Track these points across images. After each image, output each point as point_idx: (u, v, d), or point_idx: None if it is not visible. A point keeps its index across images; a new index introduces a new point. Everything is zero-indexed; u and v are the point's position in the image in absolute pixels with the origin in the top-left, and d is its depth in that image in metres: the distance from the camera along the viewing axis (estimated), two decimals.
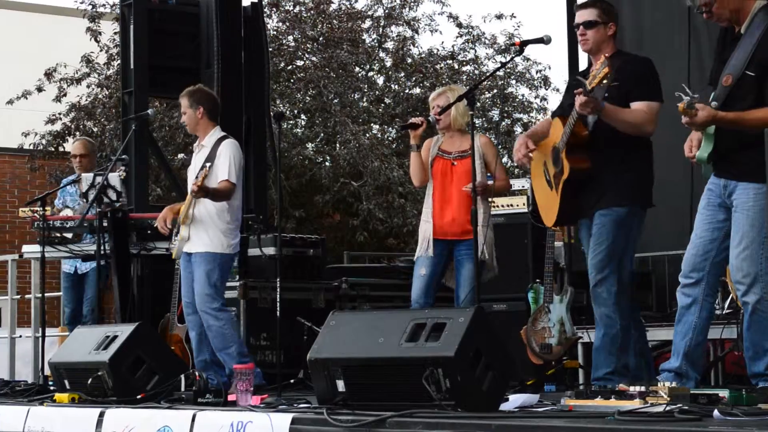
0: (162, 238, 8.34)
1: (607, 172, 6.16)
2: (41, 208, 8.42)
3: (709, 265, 5.59)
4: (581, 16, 6.33)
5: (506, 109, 18.88)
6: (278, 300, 7.25)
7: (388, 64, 18.84)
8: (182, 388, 6.68)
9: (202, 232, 7.57)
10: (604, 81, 5.81)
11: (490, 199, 7.62)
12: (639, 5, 10.56)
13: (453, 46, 19.06)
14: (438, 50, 18.92)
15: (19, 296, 12.49)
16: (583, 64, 10.50)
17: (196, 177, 7.44)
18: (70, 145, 11.28)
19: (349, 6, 18.69)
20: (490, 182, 7.40)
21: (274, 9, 18.15)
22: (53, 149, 17.45)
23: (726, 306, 8.20)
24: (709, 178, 5.68)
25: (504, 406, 5.46)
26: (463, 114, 7.38)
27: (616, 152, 6.15)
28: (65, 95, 17.46)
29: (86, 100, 17.54)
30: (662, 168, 9.68)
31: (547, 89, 19.16)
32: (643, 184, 6.26)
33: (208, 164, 7.49)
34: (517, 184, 8.71)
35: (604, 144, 6.17)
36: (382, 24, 18.79)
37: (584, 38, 6.29)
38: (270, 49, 13.17)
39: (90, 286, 9.17)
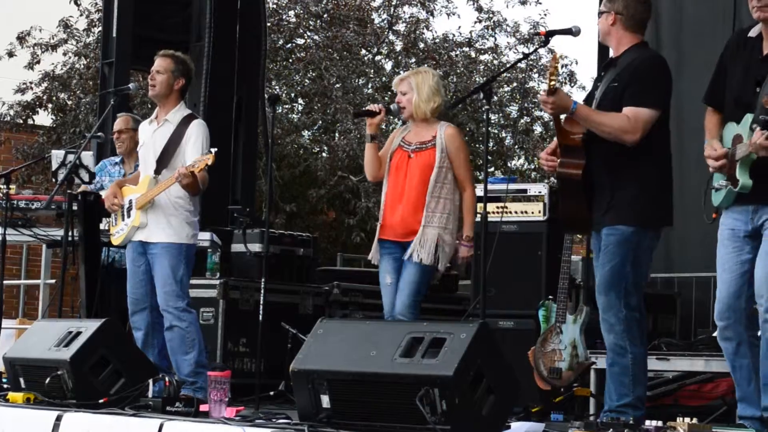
0: None
1: (615, 184, 6.17)
2: (5, 186, 8.43)
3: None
4: None
5: (526, 105, 18.87)
6: (262, 302, 7.25)
7: (398, 47, 18.84)
8: (150, 394, 6.68)
9: (163, 220, 7.42)
10: (554, 77, 6.08)
11: (502, 204, 7.61)
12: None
13: (471, 32, 19.07)
14: (454, 36, 18.93)
15: None
16: None
17: (194, 163, 7.15)
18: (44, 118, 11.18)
19: None
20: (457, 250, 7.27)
21: None
22: (22, 121, 17.44)
23: None
24: (725, 207, 5.77)
25: None
26: (428, 100, 7.27)
27: (623, 162, 6.15)
28: (38, 62, 17.46)
29: (61, 69, 17.55)
30: (691, 183, 9.71)
31: (572, 86, 19.11)
32: (656, 200, 6.22)
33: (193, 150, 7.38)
34: (533, 189, 8.65)
35: (611, 152, 6.16)
36: (393, 3, 18.80)
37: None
38: (268, 25, 13.18)
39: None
